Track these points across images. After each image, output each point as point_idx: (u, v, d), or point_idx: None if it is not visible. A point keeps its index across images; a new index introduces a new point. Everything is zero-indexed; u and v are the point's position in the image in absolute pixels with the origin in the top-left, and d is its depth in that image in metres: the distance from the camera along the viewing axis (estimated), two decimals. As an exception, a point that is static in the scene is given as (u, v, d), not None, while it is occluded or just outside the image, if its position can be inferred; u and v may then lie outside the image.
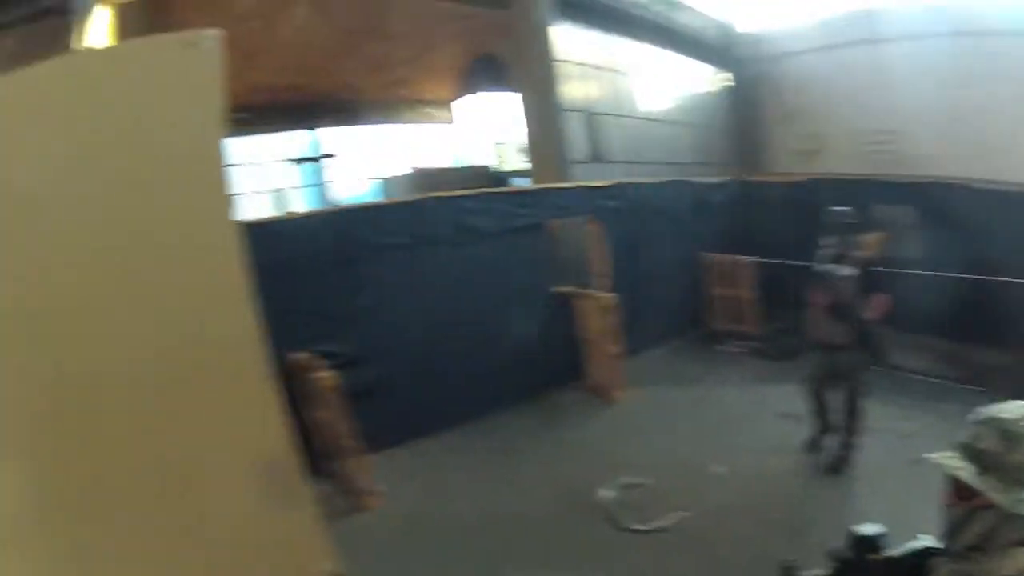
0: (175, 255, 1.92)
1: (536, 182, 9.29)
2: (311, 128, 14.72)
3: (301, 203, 14.65)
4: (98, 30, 6.61)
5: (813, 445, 5.41)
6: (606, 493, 5.00)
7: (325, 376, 4.93)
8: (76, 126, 1.75)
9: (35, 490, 1.71)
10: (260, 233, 5.09)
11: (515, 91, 10.59)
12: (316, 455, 5.15)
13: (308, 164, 15.12)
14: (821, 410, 5.35)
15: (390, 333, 6.05)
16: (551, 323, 7.11)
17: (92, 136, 1.77)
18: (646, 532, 4.53)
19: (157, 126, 1.86)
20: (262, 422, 2.01)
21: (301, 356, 5.24)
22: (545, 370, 7.05)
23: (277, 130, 14.34)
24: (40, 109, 1.70)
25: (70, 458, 1.71)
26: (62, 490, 1.72)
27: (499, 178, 13.16)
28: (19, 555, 1.68)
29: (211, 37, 1.88)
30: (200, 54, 1.88)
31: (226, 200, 2.00)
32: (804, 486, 5.05)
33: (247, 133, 13.95)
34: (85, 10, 6.59)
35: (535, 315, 7.04)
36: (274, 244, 5.24)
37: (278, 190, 15.03)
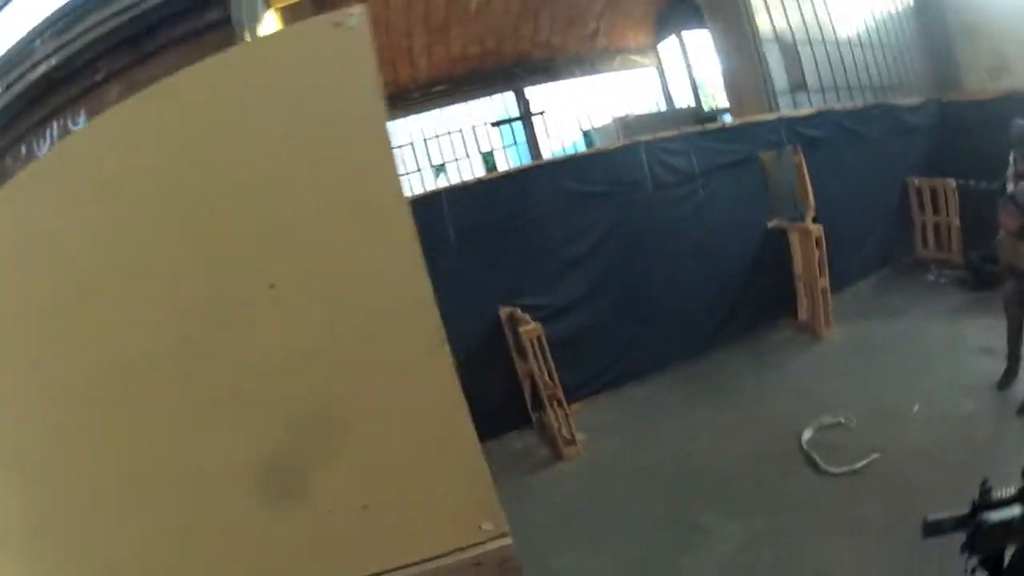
0: (349, 236, 1.84)
1: (738, 116, 8.99)
2: (516, 90, 15.06)
3: (512, 163, 15.01)
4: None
5: (1007, 382, 4.91)
6: (807, 434, 4.85)
7: (530, 328, 5.26)
8: (240, 118, 1.82)
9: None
10: (472, 193, 5.99)
11: (711, 28, 10.29)
12: (526, 405, 5.96)
13: (516, 124, 15.57)
14: (1015, 341, 4.84)
15: (597, 280, 6.24)
16: (762, 259, 6.92)
17: (257, 126, 1.83)
18: (841, 475, 4.37)
19: (320, 109, 1.85)
20: (438, 389, 1.93)
21: (509, 309, 5.78)
22: (756, 309, 6.90)
23: (482, 95, 14.88)
24: (201, 105, 1.80)
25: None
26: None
27: (706, 117, 12.85)
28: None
29: (357, 14, 1.78)
30: (349, 32, 1.80)
31: (396, 178, 1.89)
32: (996, 427, 4.60)
33: (451, 103, 14.80)
34: (251, 18, 6.70)
35: (747, 251, 6.90)
36: (484, 203, 5.90)
37: (489, 152, 15.71)
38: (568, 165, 6.27)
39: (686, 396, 5.93)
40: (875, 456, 4.40)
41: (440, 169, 15.83)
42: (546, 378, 5.26)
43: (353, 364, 1.84)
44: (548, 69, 14.49)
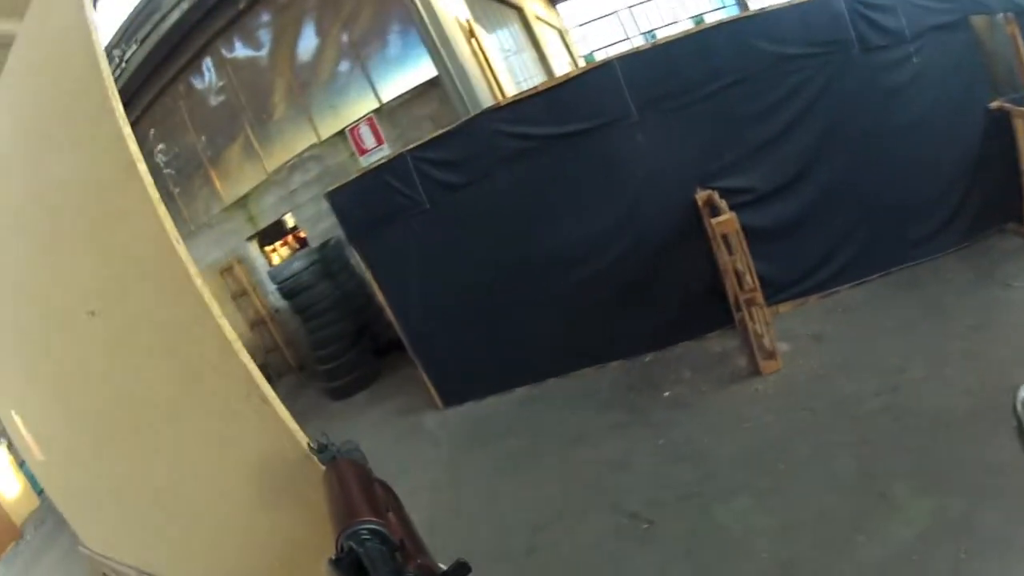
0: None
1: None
2: None
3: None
4: None
5: None
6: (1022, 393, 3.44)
7: (725, 220, 4.51)
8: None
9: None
10: (649, 60, 5.29)
11: None
12: (728, 301, 5.39)
13: None
14: None
15: (803, 161, 5.29)
16: (986, 147, 5.27)
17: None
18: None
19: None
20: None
21: (707, 193, 5.14)
22: (980, 208, 5.30)
23: None
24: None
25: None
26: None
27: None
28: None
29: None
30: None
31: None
32: None
33: None
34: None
35: (970, 137, 5.28)
36: (665, 71, 5.24)
37: (699, 15, 15.16)
38: (757, 21, 5.19)
39: (902, 308, 4.81)
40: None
41: (651, 36, 15.01)
42: (746, 278, 4.55)
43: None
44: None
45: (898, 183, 5.21)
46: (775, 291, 5.29)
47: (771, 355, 4.65)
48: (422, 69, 8.75)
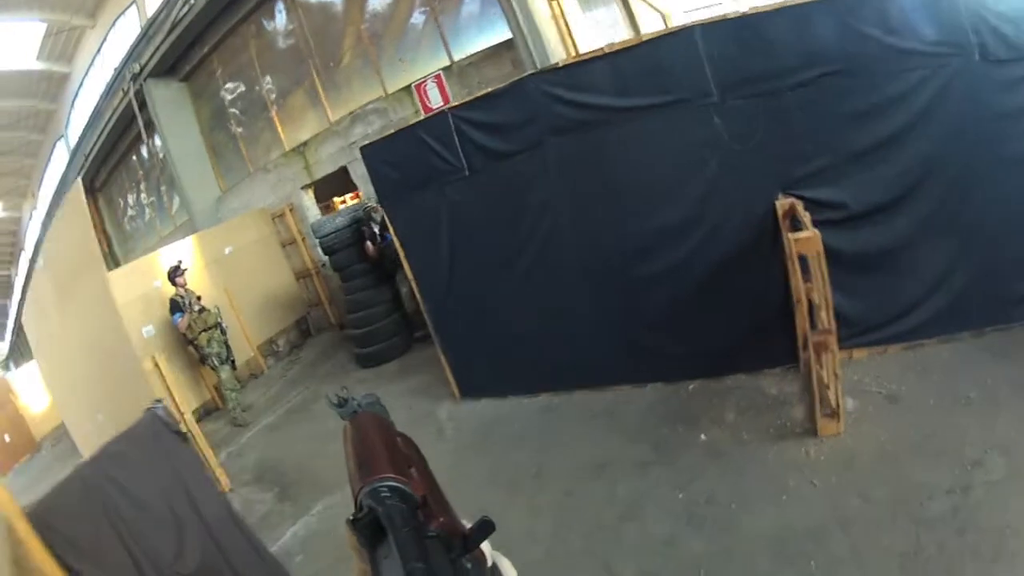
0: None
1: None
2: None
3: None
4: None
5: None
6: None
7: (805, 237, 3.63)
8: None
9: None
10: (737, 31, 4.33)
11: None
12: (793, 337, 4.46)
13: None
14: None
15: (907, 180, 4.20)
16: None
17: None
18: None
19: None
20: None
21: (789, 201, 4.19)
22: None
23: None
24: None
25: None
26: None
27: None
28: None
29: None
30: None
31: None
32: None
33: None
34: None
35: None
36: (755, 47, 4.27)
37: None
38: (869, 3, 4.15)
39: (992, 380, 3.74)
40: None
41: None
42: (821, 314, 3.65)
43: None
44: None
45: (1008, 227, 4.16)
46: (851, 332, 4.30)
47: (834, 414, 3.72)
48: (499, 29, 8.04)
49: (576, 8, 8.70)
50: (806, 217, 3.82)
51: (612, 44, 4.77)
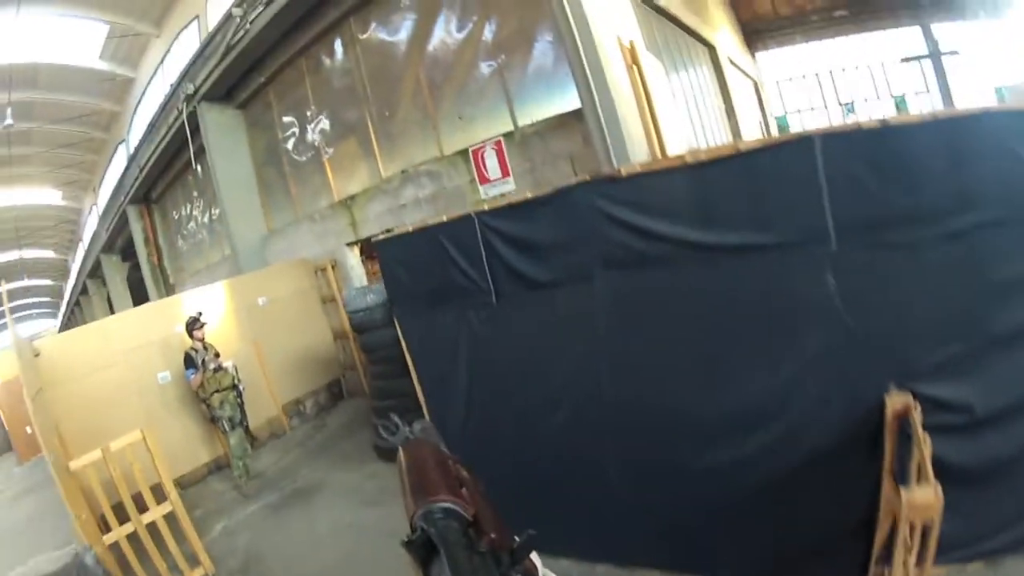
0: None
1: None
2: (923, 24, 12.57)
3: (923, 106, 12.27)
4: None
5: None
6: None
7: (926, 497, 2.63)
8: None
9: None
10: (868, 145, 3.11)
11: None
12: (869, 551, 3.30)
13: (926, 62, 13.01)
14: None
15: None
16: None
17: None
18: None
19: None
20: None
21: (903, 399, 3.06)
22: None
23: (891, 26, 12.68)
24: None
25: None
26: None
27: None
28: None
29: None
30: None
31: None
32: None
33: (855, 31, 12.76)
34: None
35: None
36: (888, 171, 3.07)
37: (901, 96, 13.49)
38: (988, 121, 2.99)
39: None
40: None
41: (849, 108, 13.76)
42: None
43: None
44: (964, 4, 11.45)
45: None
46: (953, 544, 3.09)
47: None
48: (570, 96, 6.96)
49: (659, 69, 7.53)
50: (925, 442, 2.67)
51: (696, 151, 3.58)
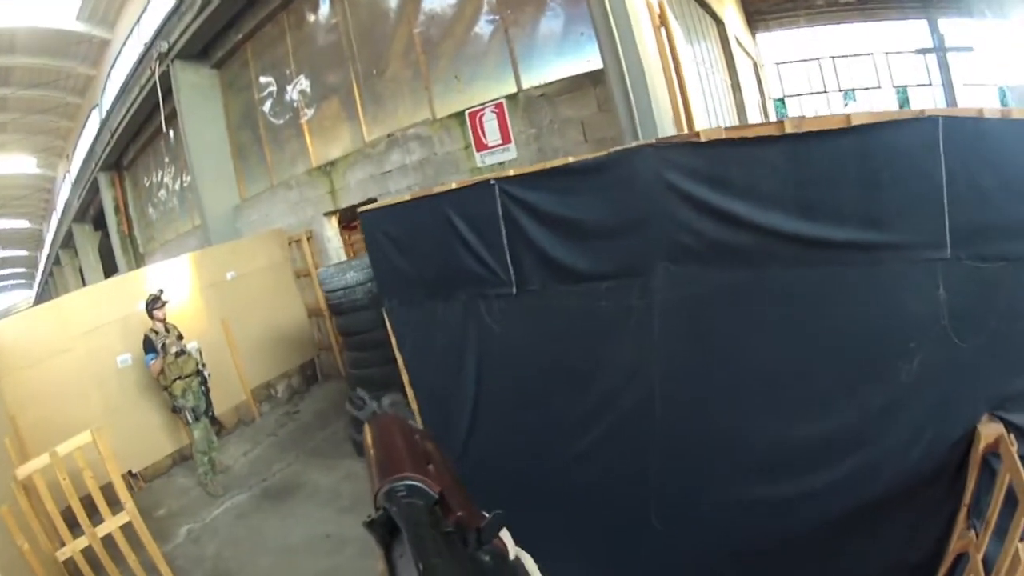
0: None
1: None
2: (930, 18, 12.79)
3: (925, 101, 12.40)
4: None
5: None
6: None
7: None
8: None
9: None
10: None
11: None
12: None
13: (930, 57, 13.18)
14: None
15: None
16: None
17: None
18: None
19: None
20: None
21: (997, 429, 2.60)
22: None
23: (898, 18, 12.84)
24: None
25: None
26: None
27: None
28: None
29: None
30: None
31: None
32: None
33: (861, 20, 12.69)
34: None
35: None
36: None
37: (903, 87, 13.58)
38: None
39: None
40: None
41: (849, 95, 14.03)
42: None
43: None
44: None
45: None
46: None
47: None
48: (584, 55, 6.20)
49: (681, 39, 6.80)
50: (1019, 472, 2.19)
51: (797, 120, 2.81)
